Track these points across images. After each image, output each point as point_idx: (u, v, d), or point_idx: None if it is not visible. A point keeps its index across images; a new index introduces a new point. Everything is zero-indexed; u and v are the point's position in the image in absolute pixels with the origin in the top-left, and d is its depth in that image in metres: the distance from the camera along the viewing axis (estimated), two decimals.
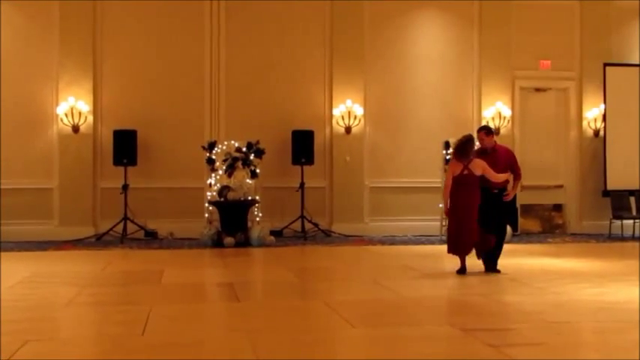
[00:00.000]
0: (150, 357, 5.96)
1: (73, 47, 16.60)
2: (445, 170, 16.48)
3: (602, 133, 18.09)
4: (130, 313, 7.76)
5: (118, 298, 9.25)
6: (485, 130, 11.21)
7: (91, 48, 16.70)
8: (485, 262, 10.78)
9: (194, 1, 17.08)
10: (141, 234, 16.30)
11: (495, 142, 11.19)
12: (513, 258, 11.94)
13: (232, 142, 15.93)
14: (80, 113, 16.43)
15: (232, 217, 15.27)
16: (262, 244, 15.14)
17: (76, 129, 16.43)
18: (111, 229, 16.15)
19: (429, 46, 18.04)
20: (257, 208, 15.84)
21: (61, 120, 16.44)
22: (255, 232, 15.26)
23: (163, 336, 6.76)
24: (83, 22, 16.65)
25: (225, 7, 17.16)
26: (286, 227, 16.74)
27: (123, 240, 15.74)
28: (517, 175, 11.00)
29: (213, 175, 15.85)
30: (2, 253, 12.99)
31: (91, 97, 16.62)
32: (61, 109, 16.41)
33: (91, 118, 16.58)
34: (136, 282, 10.50)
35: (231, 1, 17.18)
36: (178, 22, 17.12)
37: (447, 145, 16.59)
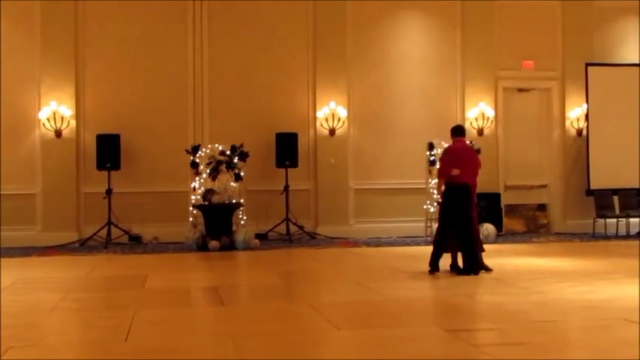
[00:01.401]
0: None
1: (54, 51, 16.52)
2: (429, 172, 16.59)
3: (584, 132, 18.17)
4: (114, 319, 7.72)
5: (102, 303, 9.20)
6: None
7: (73, 52, 16.62)
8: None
9: (177, 4, 17.03)
10: (125, 239, 16.23)
11: (460, 140, 11.25)
12: (498, 258, 11.95)
13: (216, 145, 15.91)
14: (63, 118, 16.35)
15: (217, 220, 15.23)
16: (247, 248, 15.13)
17: (58, 134, 16.35)
18: (95, 234, 16.08)
19: (412, 47, 18.06)
20: (241, 211, 15.82)
21: (44, 125, 16.36)
22: (239, 236, 15.24)
23: (147, 341, 6.72)
24: (65, 25, 16.56)
25: (207, 9, 17.12)
26: (271, 230, 16.71)
27: (107, 245, 15.68)
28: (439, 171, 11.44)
29: (197, 178, 15.81)
30: None
31: (73, 102, 16.54)
32: (44, 114, 16.33)
33: (73, 123, 16.51)
34: (120, 287, 10.44)
35: (214, 1, 17.15)
36: (161, 25, 17.06)
37: (430, 147, 16.62)
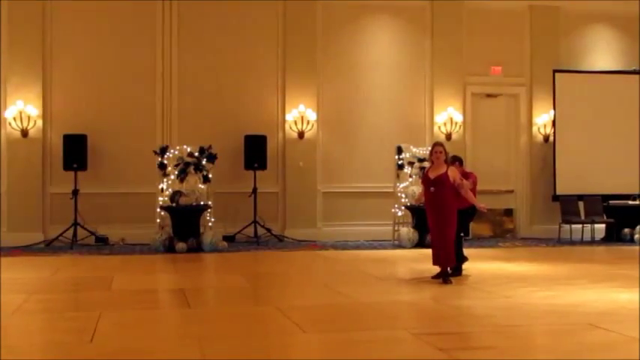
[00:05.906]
0: None
1: (22, 50, 16.34)
2: (397, 175, 16.66)
3: (551, 138, 18.33)
4: (79, 320, 7.66)
5: (67, 304, 9.11)
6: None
7: (40, 51, 16.46)
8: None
9: (145, 4, 16.93)
10: (91, 240, 16.10)
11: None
12: (465, 262, 11.99)
13: (184, 146, 15.82)
14: (29, 117, 16.19)
15: (184, 222, 15.16)
16: (214, 250, 15.06)
17: (24, 133, 16.19)
18: (60, 235, 15.92)
19: (382, 52, 18.12)
20: (209, 213, 15.75)
21: (10, 124, 16.18)
22: (207, 238, 15.17)
23: (112, 343, 6.67)
24: (32, 24, 16.40)
25: (177, 10, 17.04)
26: (239, 232, 16.66)
27: (73, 246, 15.54)
28: None
29: (165, 180, 15.71)
30: None
31: (40, 101, 16.38)
32: (10, 113, 16.15)
33: (40, 123, 16.34)
34: (85, 288, 10.36)
35: (183, 1, 17.08)
36: (129, 26, 16.96)
37: (399, 150, 16.68)
